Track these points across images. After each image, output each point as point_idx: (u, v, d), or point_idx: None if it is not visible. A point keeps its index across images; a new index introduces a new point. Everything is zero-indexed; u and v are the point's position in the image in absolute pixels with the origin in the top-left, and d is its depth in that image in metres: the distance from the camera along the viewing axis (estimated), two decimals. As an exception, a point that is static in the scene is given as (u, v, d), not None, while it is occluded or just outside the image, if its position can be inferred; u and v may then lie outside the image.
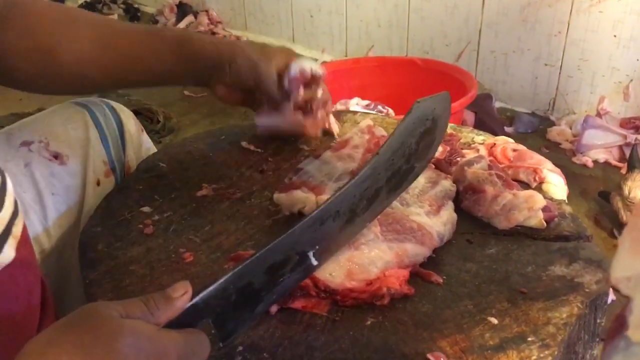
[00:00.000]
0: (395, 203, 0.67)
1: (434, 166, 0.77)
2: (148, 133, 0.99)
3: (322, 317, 0.58)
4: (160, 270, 0.65)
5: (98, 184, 0.83)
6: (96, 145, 0.84)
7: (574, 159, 1.81)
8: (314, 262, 0.54)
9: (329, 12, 2.65)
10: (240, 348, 0.54)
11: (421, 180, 0.72)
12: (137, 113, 2.12)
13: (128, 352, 0.41)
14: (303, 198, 0.70)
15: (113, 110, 0.89)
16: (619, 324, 0.25)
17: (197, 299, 0.48)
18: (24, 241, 0.64)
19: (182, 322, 0.47)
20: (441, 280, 0.62)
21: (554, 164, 0.80)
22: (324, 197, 0.69)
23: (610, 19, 1.84)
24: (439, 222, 0.67)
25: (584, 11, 1.88)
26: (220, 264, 0.66)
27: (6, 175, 0.62)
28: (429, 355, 0.52)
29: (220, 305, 0.49)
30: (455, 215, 0.69)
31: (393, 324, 0.57)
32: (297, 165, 0.80)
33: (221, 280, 0.49)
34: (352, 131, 0.86)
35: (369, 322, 0.57)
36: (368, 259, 0.60)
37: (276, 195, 0.73)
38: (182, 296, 0.47)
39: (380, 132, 0.86)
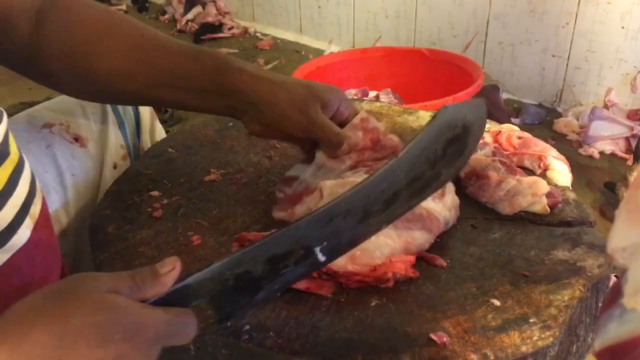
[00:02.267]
0: None
1: None
2: None
3: (328, 299, 0.59)
4: (169, 253, 0.66)
5: (115, 167, 0.85)
6: (114, 129, 0.86)
7: (581, 150, 1.81)
8: (322, 258, 0.53)
9: (337, 3, 2.65)
10: (247, 327, 0.55)
11: None
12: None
13: (104, 325, 0.41)
14: (307, 211, 0.68)
15: None
16: (615, 294, 0.26)
17: (190, 279, 0.48)
18: (44, 221, 0.65)
19: (175, 300, 0.47)
20: (445, 264, 0.63)
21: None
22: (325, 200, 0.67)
23: (619, 11, 1.83)
24: (445, 208, 0.67)
25: (592, 2, 1.87)
26: (228, 247, 0.67)
27: (24, 157, 0.63)
28: (432, 335, 0.53)
29: (216, 288, 0.49)
30: (457, 199, 0.70)
31: (397, 306, 0.58)
32: (303, 155, 0.78)
33: (216, 264, 0.49)
34: (345, 129, 0.76)
35: (373, 304, 0.58)
36: (373, 245, 0.60)
37: (277, 214, 0.71)
38: (169, 272, 0.47)
39: (373, 124, 0.76)
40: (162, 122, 2.10)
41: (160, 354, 0.46)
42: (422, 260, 0.63)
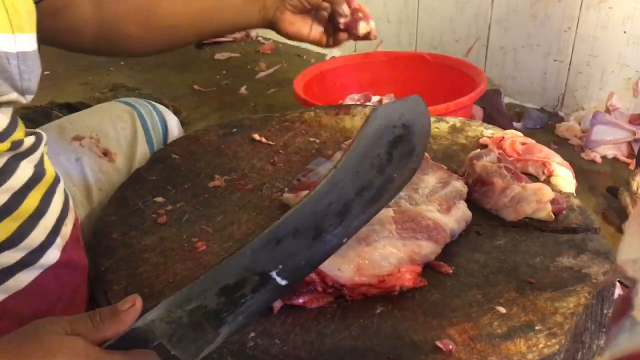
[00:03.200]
0: (404, 202, 0.67)
1: (445, 167, 0.76)
2: None
3: (333, 306, 0.59)
4: (174, 259, 0.66)
5: None
6: (142, 144, 0.88)
7: (583, 155, 1.81)
8: (282, 282, 0.51)
9: (338, 7, 2.65)
10: (253, 334, 0.55)
11: (431, 181, 0.72)
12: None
13: None
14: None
15: (159, 112, 0.93)
16: (625, 305, 0.26)
17: (139, 321, 0.47)
18: (74, 242, 0.65)
19: (136, 341, 0.46)
20: (451, 271, 0.63)
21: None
22: None
23: (620, 15, 1.83)
24: (452, 220, 0.67)
25: (594, 7, 1.87)
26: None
27: (59, 175, 0.63)
28: (437, 343, 0.53)
29: (171, 328, 0.47)
30: (469, 213, 0.69)
31: (402, 313, 0.58)
32: (307, 164, 0.81)
33: (163, 303, 0.48)
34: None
35: (378, 310, 0.58)
36: (380, 255, 0.60)
37: (285, 195, 0.74)
38: (129, 309, 0.47)
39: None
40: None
41: None
42: (427, 267, 0.63)
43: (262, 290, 0.51)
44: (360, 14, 0.93)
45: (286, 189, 0.76)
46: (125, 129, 0.87)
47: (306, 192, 0.71)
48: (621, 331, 0.26)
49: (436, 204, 0.68)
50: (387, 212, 0.65)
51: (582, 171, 1.72)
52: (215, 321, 0.49)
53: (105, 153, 0.82)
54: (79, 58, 2.87)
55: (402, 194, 0.68)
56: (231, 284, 0.50)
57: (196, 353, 0.48)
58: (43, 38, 0.67)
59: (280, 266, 0.51)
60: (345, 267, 0.59)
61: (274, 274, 0.51)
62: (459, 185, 0.73)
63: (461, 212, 0.68)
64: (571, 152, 1.84)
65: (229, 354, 0.54)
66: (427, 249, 0.63)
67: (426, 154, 0.76)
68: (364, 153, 0.57)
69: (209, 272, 0.50)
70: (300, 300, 0.58)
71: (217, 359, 0.55)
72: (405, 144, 0.60)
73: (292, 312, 0.58)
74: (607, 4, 1.85)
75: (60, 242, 0.61)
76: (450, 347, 0.52)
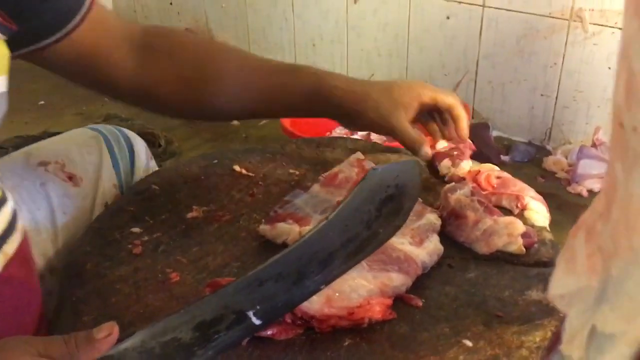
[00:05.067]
0: None
1: (420, 200, 0.76)
2: None
3: (302, 338, 0.59)
4: (147, 289, 0.66)
5: (105, 206, 0.87)
6: (108, 169, 0.88)
7: (569, 188, 1.82)
8: (257, 322, 0.53)
9: (331, 41, 2.70)
10: (219, 366, 0.55)
11: None
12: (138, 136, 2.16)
13: None
14: (287, 230, 0.72)
15: (126, 136, 0.94)
16: (555, 340, 0.26)
17: (111, 351, 0.48)
18: (21, 260, 0.65)
19: None
20: (421, 304, 0.63)
21: (550, 193, 0.82)
22: (307, 228, 0.70)
23: (605, 51, 1.87)
24: (424, 252, 0.68)
25: (579, 43, 1.91)
26: (206, 285, 0.67)
27: (7, 195, 0.64)
28: (402, 376, 0.53)
29: (142, 358, 0.48)
30: (441, 247, 0.70)
31: (370, 345, 0.58)
32: (285, 195, 0.82)
33: (139, 333, 0.49)
34: (342, 165, 0.86)
35: (346, 343, 0.58)
36: (350, 287, 0.60)
37: (261, 227, 0.75)
38: (105, 337, 0.47)
39: (370, 164, 0.84)
40: (156, 156, 2.11)
41: None
42: (398, 299, 0.64)
43: (236, 328, 0.52)
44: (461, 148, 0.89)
45: (263, 220, 0.77)
46: (92, 154, 0.88)
47: (282, 223, 0.73)
48: (549, 366, 0.26)
49: (408, 236, 0.69)
50: None
51: (569, 204, 1.73)
52: (186, 354, 0.50)
53: (71, 177, 0.83)
54: (75, 88, 2.91)
55: None
56: (208, 320, 0.52)
57: None
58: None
59: (258, 307, 0.53)
60: (314, 298, 0.59)
61: (250, 313, 0.53)
62: (432, 218, 0.73)
63: (433, 246, 0.69)
64: (558, 185, 1.85)
65: (194, 386, 0.54)
66: (398, 281, 0.63)
67: None
68: (355, 208, 0.63)
69: (189, 307, 0.52)
70: (269, 332, 0.59)
71: (183, 391, 0.54)
72: (395, 203, 0.65)
73: (261, 344, 0.58)
74: (592, 41, 1.89)
75: (1, 258, 0.62)
76: (414, 380, 0.53)
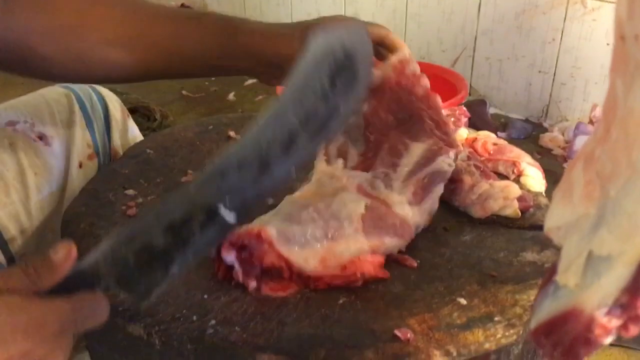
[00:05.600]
0: (380, 183, 0.67)
1: (444, 133, 0.71)
2: (144, 131, 1.00)
3: (296, 297, 0.59)
4: (141, 249, 0.66)
5: (80, 166, 0.84)
6: (81, 128, 0.85)
7: (565, 165, 1.82)
8: (230, 218, 0.49)
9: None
10: (213, 322, 0.55)
11: (417, 152, 0.69)
12: (134, 111, 2.14)
13: (2, 327, 0.40)
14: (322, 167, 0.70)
15: (99, 94, 0.90)
16: (551, 273, 0.26)
17: (83, 263, 0.46)
18: None
19: (80, 284, 0.45)
20: (415, 264, 0.63)
21: (546, 169, 0.81)
22: (335, 164, 0.69)
23: (603, 27, 1.86)
24: (419, 212, 0.68)
25: (578, 19, 1.90)
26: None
27: None
28: (396, 331, 0.53)
29: (117, 269, 0.46)
30: (435, 206, 0.70)
31: (364, 304, 0.58)
32: None
33: (105, 243, 0.47)
34: (380, 66, 0.73)
35: (341, 301, 0.58)
36: (344, 248, 0.60)
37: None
38: (64, 258, 0.45)
39: (414, 67, 0.72)
40: (151, 130, 2.10)
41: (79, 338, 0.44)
42: (392, 260, 0.64)
43: (210, 225, 0.48)
44: None
45: None
46: (62, 112, 0.84)
47: None
48: (545, 297, 0.26)
49: (410, 191, 0.67)
50: (358, 208, 0.64)
51: (564, 180, 1.73)
52: (164, 260, 0.47)
53: (41, 137, 0.80)
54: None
55: (379, 170, 0.68)
56: (177, 220, 0.48)
57: (146, 294, 0.47)
58: None
59: (227, 199, 0.49)
60: (311, 259, 0.59)
61: (220, 207, 0.48)
62: (444, 163, 0.69)
63: (430, 204, 0.68)
64: (554, 162, 1.85)
65: (189, 340, 0.54)
66: (391, 243, 0.63)
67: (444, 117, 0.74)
68: (305, 81, 0.55)
69: (152, 208, 0.48)
70: (267, 288, 0.59)
71: (177, 346, 0.55)
72: (348, 71, 0.57)
73: (255, 302, 0.58)
74: (591, 17, 1.87)
75: None
76: (409, 335, 0.53)
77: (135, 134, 0.94)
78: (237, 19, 0.70)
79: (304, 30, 0.70)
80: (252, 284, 0.58)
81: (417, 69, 0.73)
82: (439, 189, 0.69)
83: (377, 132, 0.72)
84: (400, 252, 0.65)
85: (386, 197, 0.66)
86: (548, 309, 0.25)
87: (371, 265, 0.60)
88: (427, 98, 0.72)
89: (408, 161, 0.70)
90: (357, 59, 0.58)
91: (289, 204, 0.65)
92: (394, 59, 0.72)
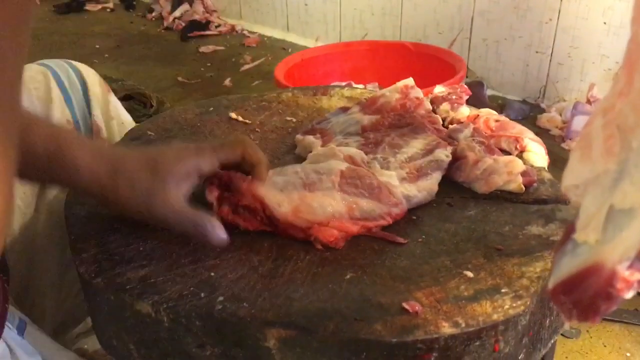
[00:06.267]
0: (376, 164, 0.68)
1: (442, 130, 0.77)
2: (141, 118, 0.98)
3: (303, 272, 0.59)
4: (145, 229, 0.65)
5: None
6: (59, 104, 0.84)
7: (563, 145, 1.83)
8: None
9: (323, 1, 2.66)
10: (221, 298, 0.55)
11: (417, 146, 0.73)
12: (130, 97, 2.13)
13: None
14: (311, 143, 0.77)
15: (76, 69, 0.88)
16: (568, 232, 0.26)
17: None
18: None
19: None
20: (404, 241, 0.63)
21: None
22: (330, 145, 0.75)
23: (600, 6, 1.86)
24: (411, 187, 0.68)
25: (575, -2, 1.90)
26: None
27: None
28: (404, 304, 0.53)
29: None
30: (435, 188, 0.70)
31: (371, 278, 0.58)
32: (283, 140, 0.84)
33: None
34: (387, 89, 0.87)
35: (348, 276, 0.58)
36: (318, 203, 0.62)
37: (297, 137, 0.81)
38: None
39: (417, 93, 0.84)
40: (147, 116, 2.09)
41: None
42: (398, 234, 0.64)
43: None
44: None
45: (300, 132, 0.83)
46: (39, 89, 0.83)
47: (310, 136, 0.79)
48: (563, 255, 0.26)
49: (405, 170, 0.69)
50: (338, 165, 0.66)
51: (563, 160, 1.72)
52: None
53: None
54: (65, 50, 2.86)
55: (379, 155, 0.71)
56: None
57: None
58: None
59: None
60: (285, 204, 0.62)
61: None
62: (442, 155, 0.72)
63: (427, 183, 0.69)
64: (552, 142, 1.86)
65: (197, 317, 0.54)
66: (367, 206, 0.64)
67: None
68: None
69: None
70: (241, 220, 0.63)
71: (185, 322, 0.55)
72: None
73: (262, 278, 0.58)
74: (588, -4, 1.87)
75: None
76: (417, 308, 0.53)
77: (117, 107, 0.92)
78: (69, 136, 0.62)
79: (134, 159, 0.62)
80: (229, 217, 0.63)
81: (421, 94, 0.83)
82: (437, 175, 0.71)
83: (378, 133, 0.78)
84: (403, 227, 0.65)
85: (376, 171, 0.68)
86: (567, 267, 0.25)
87: (331, 235, 0.61)
88: (429, 116, 0.81)
89: (407, 150, 0.73)
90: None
91: (282, 168, 0.68)
92: (399, 83, 0.84)
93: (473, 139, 0.75)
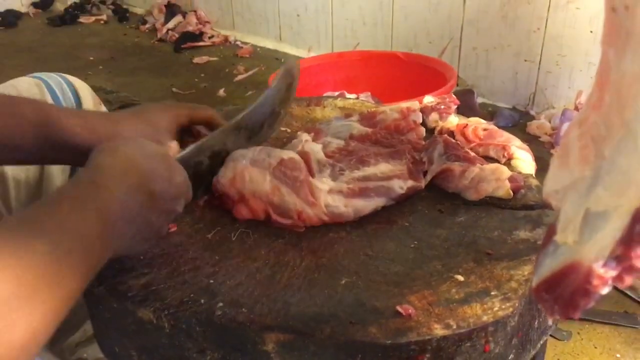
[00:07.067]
0: (326, 170, 0.74)
1: (410, 165, 0.76)
2: None
3: (299, 278, 0.61)
4: (145, 239, 0.67)
5: None
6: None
7: (553, 151, 1.86)
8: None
9: (316, 11, 2.69)
10: (221, 304, 0.57)
11: (382, 169, 0.74)
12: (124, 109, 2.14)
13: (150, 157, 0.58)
14: (302, 137, 0.81)
15: (69, 83, 0.90)
16: (550, 234, 0.28)
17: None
18: None
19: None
20: (301, 230, 0.68)
21: (534, 156, 0.84)
22: (318, 142, 0.81)
23: (587, 15, 1.89)
24: (339, 200, 0.69)
25: (562, 7, 1.93)
26: (203, 234, 0.69)
27: None
28: (398, 308, 0.55)
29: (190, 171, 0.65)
30: (365, 212, 0.70)
31: (366, 283, 0.60)
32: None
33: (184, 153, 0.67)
34: (388, 107, 0.90)
35: (343, 282, 0.60)
36: (250, 177, 0.70)
37: (298, 132, 0.86)
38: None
39: (417, 117, 0.86)
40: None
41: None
42: (391, 240, 0.66)
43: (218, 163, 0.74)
44: None
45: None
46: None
47: (305, 133, 0.84)
48: (545, 256, 0.28)
49: (348, 186, 0.71)
50: (284, 154, 0.73)
51: (552, 166, 1.77)
52: (201, 181, 0.72)
53: None
54: (59, 62, 2.87)
55: (340, 164, 0.75)
56: (217, 151, 0.74)
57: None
58: None
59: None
60: (227, 174, 0.72)
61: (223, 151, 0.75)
62: (396, 186, 0.72)
63: (361, 205, 0.70)
64: (542, 149, 1.89)
65: (197, 323, 0.56)
66: (286, 194, 0.69)
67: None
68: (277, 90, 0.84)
69: (213, 133, 0.75)
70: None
71: (186, 328, 0.56)
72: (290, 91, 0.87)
73: (260, 285, 0.60)
74: (574, 5, 1.91)
75: None
76: (410, 311, 0.55)
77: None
78: (56, 110, 0.67)
79: (126, 121, 0.71)
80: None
81: (420, 119, 0.86)
82: (379, 201, 0.71)
83: (361, 144, 0.80)
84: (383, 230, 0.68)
85: (318, 175, 0.72)
86: (549, 266, 0.27)
87: (240, 213, 0.71)
88: (416, 143, 0.82)
89: (369, 170, 0.74)
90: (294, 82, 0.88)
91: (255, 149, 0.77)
92: (403, 104, 0.88)
93: (448, 155, 0.76)
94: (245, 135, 0.78)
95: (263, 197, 0.69)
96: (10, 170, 0.79)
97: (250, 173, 0.71)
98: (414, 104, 0.88)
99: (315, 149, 0.76)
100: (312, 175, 0.72)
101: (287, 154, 0.73)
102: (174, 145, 0.61)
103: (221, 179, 0.71)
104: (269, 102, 0.82)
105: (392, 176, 0.73)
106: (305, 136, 0.80)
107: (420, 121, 0.86)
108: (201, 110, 0.81)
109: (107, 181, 0.52)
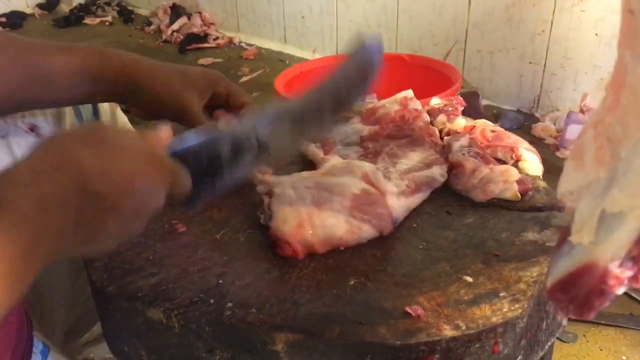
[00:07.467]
0: (380, 174, 0.70)
1: (439, 145, 0.80)
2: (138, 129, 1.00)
3: (308, 279, 0.61)
4: (154, 239, 0.68)
5: None
6: (70, 118, 0.85)
7: (558, 154, 1.86)
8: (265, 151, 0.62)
9: (320, 13, 2.70)
10: (230, 304, 0.57)
11: (415, 158, 0.76)
12: (127, 111, 2.15)
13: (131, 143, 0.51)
14: (314, 152, 0.80)
15: None
16: (564, 235, 0.28)
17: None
18: None
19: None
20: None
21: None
22: (329, 156, 0.78)
23: (592, 18, 1.89)
24: (403, 206, 0.69)
25: (567, 10, 1.93)
26: (212, 235, 0.69)
27: None
28: (407, 308, 0.55)
29: (192, 166, 0.56)
30: (414, 206, 0.71)
31: (375, 284, 0.60)
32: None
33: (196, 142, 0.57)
34: (386, 100, 0.89)
35: (352, 282, 0.60)
36: (321, 222, 0.64)
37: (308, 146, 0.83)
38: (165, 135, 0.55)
39: (416, 104, 0.86)
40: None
41: None
42: (399, 242, 0.66)
43: (251, 154, 0.62)
44: None
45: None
46: None
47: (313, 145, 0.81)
48: (560, 257, 0.29)
49: (405, 183, 0.71)
50: (353, 187, 0.67)
51: (557, 168, 1.74)
52: (218, 172, 0.60)
53: (32, 128, 0.80)
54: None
55: (380, 165, 0.74)
56: (240, 142, 0.61)
57: (197, 198, 0.60)
58: None
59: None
60: (290, 221, 0.64)
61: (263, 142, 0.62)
62: (437, 173, 0.75)
63: (414, 201, 0.71)
64: (547, 151, 1.89)
65: (207, 323, 0.56)
66: (366, 233, 0.66)
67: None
68: (344, 76, 0.70)
69: (229, 128, 0.61)
70: None
71: (195, 328, 0.57)
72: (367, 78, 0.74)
73: (268, 286, 0.60)
74: (579, 7, 1.91)
75: None
76: (419, 312, 0.55)
77: (125, 122, 0.95)
78: (111, 50, 0.75)
79: (168, 67, 0.76)
80: None
81: (419, 106, 0.86)
82: (426, 193, 0.73)
83: (376, 143, 0.81)
84: (403, 231, 0.68)
85: (383, 186, 0.69)
86: (564, 267, 0.27)
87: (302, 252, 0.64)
88: (427, 128, 0.83)
89: (406, 162, 0.76)
90: (375, 69, 0.75)
91: (296, 177, 0.70)
92: (399, 95, 0.86)
93: (469, 150, 0.77)
94: (285, 129, 0.64)
95: (335, 241, 0.64)
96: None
97: (321, 219, 0.64)
98: (407, 92, 0.89)
99: (369, 167, 0.71)
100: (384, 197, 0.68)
101: (354, 187, 0.67)
102: (163, 130, 0.55)
103: (281, 226, 0.64)
104: (330, 91, 0.68)
105: (430, 163, 0.76)
106: (315, 150, 0.79)
107: (419, 107, 0.87)
108: (239, 95, 0.80)
109: (12, 194, 0.44)
